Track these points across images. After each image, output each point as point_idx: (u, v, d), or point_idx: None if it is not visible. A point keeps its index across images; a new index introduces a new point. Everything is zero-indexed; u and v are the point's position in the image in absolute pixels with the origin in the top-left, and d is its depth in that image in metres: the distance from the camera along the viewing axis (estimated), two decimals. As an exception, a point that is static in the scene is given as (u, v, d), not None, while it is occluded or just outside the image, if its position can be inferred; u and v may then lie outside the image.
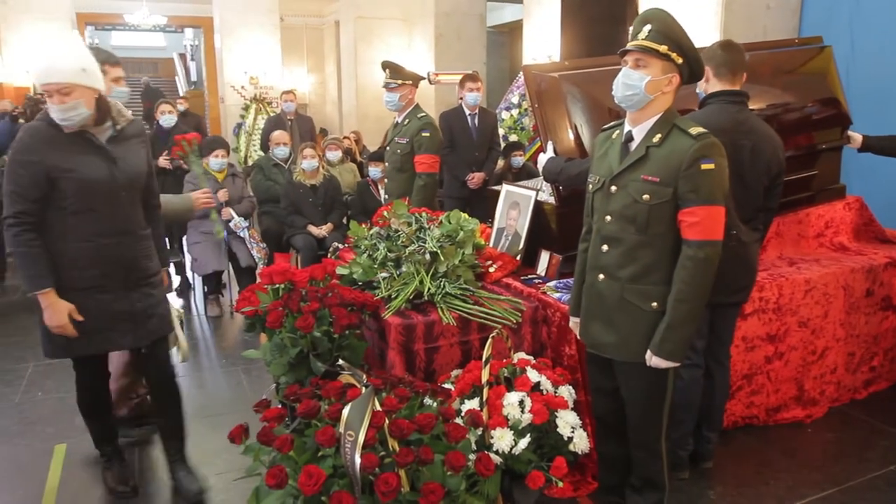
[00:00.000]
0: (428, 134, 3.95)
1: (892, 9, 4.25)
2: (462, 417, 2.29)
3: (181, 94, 16.05)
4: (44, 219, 2.29)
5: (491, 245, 3.27)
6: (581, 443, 2.41)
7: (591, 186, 2.21)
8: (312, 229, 5.04)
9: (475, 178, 5.01)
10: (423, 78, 4.37)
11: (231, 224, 4.81)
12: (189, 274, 5.46)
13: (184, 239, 5.41)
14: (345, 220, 5.26)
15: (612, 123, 2.23)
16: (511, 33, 11.66)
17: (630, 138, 2.08)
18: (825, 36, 3.85)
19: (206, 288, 5.04)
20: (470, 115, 5.09)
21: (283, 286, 2.59)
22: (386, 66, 4.02)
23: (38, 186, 2.25)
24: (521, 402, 2.38)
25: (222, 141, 5.17)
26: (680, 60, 1.98)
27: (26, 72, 9.88)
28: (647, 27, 1.98)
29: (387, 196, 4.26)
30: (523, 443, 2.30)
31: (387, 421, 1.98)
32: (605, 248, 2.12)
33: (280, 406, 2.32)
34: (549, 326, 2.80)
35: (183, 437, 2.76)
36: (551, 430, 2.38)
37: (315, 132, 7.83)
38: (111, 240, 2.36)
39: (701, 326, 2.55)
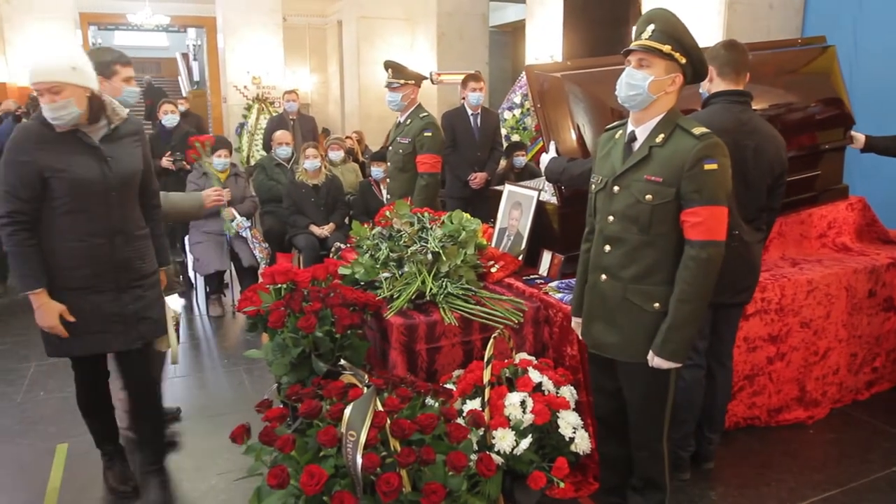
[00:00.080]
0: (430, 134, 3.94)
1: (895, 9, 4.24)
2: (464, 418, 2.29)
3: (184, 93, 16.10)
4: (38, 218, 2.28)
5: (493, 245, 3.27)
6: (582, 443, 2.41)
7: (593, 186, 2.21)
8: (314, 229, 5.04)
9: (477, 178, 5.01)
10: (426, 78, 4.36)
11: (234, 224, 4.82)
12: (191, 274, 5.46)
13: (186, 239, 5.42)
14: (347, 220, 5.27)
15: (615, 123, 2.22)
16: (514, 33, 11.65)
17: (633, 138, 2.08)
18: (828, 36, 3.84)
19: (207, 288, 5.04)
20: (472, 114, 5.08)
21: (285, 286, 2.60)
22: (388, 65, 4.01)
23: (30, 186, 2.24)
24: (523, 403, 2.38)
25: (225, 141, 5.17)
26: (683, 60, 1.98)
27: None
28: (651, 27, 1.97)
29: (389, 196, 4.26)
30: (525, 443, 2.30)
31: (388, 421, 1.98)
32: (607, 248, 2.12)
33: (282, 406, 2.32)
34: (550, 327, 2.80)
35: (162, 448, 2.70)
36: (553, 431, 2.38)
37: (317, 132, 7.84)
38: (103, 239, 2.34)
39: (703, 327, 2.54)
